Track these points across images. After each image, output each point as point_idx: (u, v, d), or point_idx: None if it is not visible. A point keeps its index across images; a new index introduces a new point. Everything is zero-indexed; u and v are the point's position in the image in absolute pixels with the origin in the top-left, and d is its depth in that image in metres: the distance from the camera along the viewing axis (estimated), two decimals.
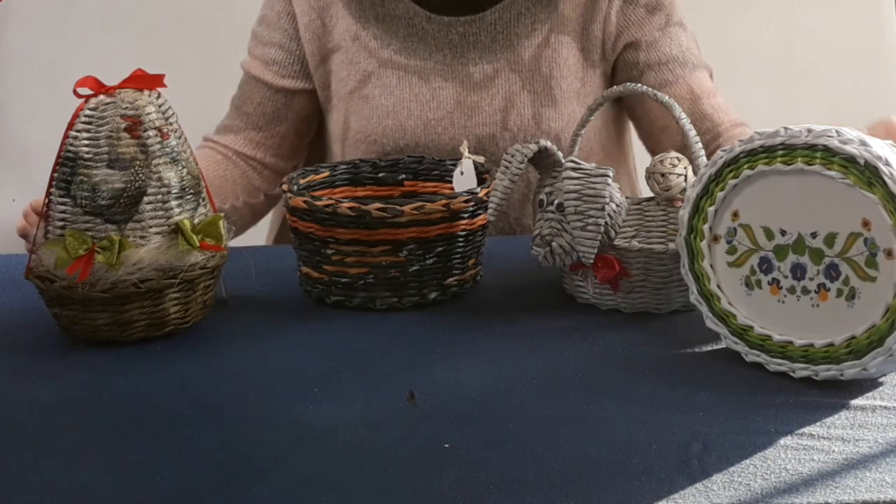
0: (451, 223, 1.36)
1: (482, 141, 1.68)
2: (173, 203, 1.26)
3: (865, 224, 1.11)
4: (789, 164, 1.14)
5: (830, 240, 1.13)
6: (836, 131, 1.13)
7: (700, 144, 1.36)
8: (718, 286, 1.21)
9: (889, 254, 1.10)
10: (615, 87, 1.42)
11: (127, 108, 1.24)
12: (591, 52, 1.73)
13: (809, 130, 1.14)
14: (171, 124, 1.27)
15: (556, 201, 1.31)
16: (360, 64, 1.73)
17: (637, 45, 1.73)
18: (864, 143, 1.11)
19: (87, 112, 1.25)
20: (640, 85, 1.40)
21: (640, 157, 1.86)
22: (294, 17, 1.76)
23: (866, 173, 1.10)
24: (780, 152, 1.15)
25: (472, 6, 1.72)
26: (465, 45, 1.71)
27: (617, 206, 1.31)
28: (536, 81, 1.71)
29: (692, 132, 1.35)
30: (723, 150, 1.20)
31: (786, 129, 1.16)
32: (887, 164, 1.09)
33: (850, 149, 1.11)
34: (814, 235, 1.14)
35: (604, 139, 1.77)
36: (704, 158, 1.34)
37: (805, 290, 1.15)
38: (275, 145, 1.80)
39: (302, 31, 1.75)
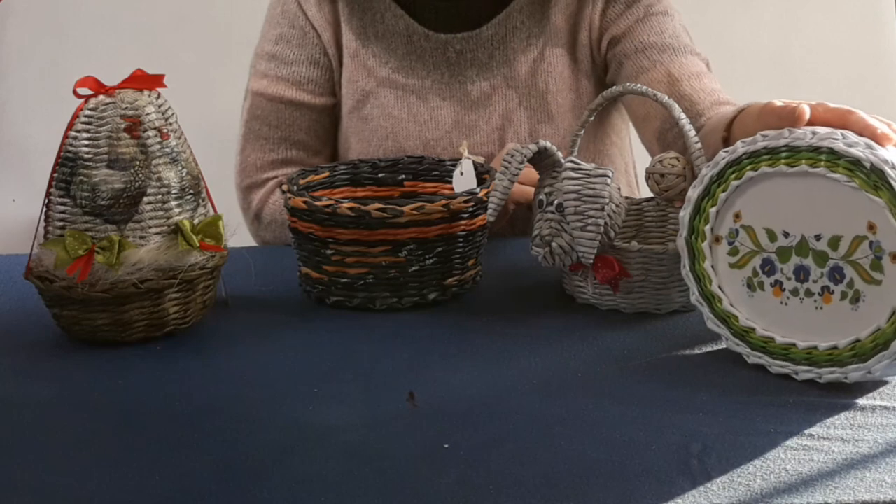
0: (451, 223, 1.36)
1: None
2: (173, 203, 1.26)
3: (871, 227, 1.11)
4: (793, 166, 1.14)
5: (835, 242, 1.13)
6: (841, 134, 1.13)
7: (700, 144, 1.36)
8: (720, 287, 1.21)
9: (895, 257, 1.09)
10: (614, 87, 1.42)
11: (127, 108, 1.24)
12: (581, 62, 1.73)
13: (814, 133, 1.14)
14: (170, 124, 1.27)
15: (555, 201, 1.31)
16: (359, 83, 1.72)
17: (616, 41, 1.71)
18: (869, 147, 1.11)
19: (87, 112, 1.25)
20: (639, 85, 1.39)
21: (640, 159, 1.86)
22: (317, 31, 1.73)
23: (872, 176, 1.10)
24: (784, 154, 1.15)
25: (468, 23, 1.71)
26: (462, 62, 1.71)
27: (616, 206, 1.31)
28: (533, 97, 1.70)
29: (692, 132, 1.35)
30: (725, 151, 1.20)
31: (790, 130, 1.16)
32: (893, 167, 1.09)
33: (855, 152, 1.11)
34: (818, 238, 1.14)
35: (595, 137, 1.77)
36: (704, 159, 1.34)
37: (808, 293, 1.15)
38: (328, 155, 1.78)
39: (327, 46, 1.73)
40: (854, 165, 1.11)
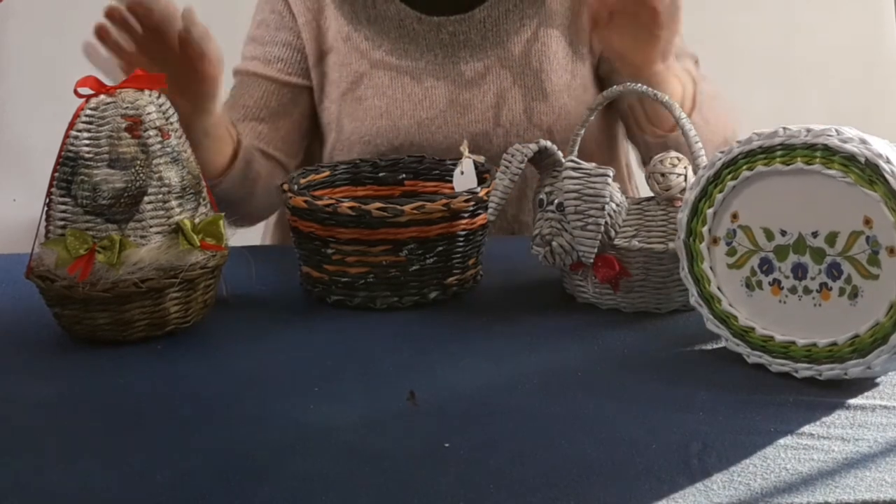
0: (452, 223, 1.36)
1: (475, 138, 1.69)
2: (174, 203, 1.26)
3: (867, 222, 1.11)
4: (788, 165, 1.15)
5: (831, 239, 1.13)
6: (836, 130, 1.13)
7: (700, 144, 1.36)
8: (719, 288, 1.21)
9: (891, 251, 1.10)
10: (615, 87, 1.42)
11: (127, 107, 1.25)
12: (579, 46, 1.74)
13: (808, 130, 1.14)
14: (171, 124, 1.28)
15: (556, 201, 1.31)
16: (352, 65, 1.73)
17: None
18: (864, 142, 1.11)
19: (88, 112, 1.25)
20: (639, 85, 1.40)
21: (636, 158, 1.86)
22: (294, 15, 1.76)
23: (867, 171, 1.10)
24: (779, 152, 1.16)
25: (460, 5, 1.72)
26: (455, 44, 1.72)
27: (617, 205, 1.31)
28: (527, 76, 1.71)
29: (692, 132, 1.36)
30: (721, 152, 1.20)
31: (784, 129, 1.16)
32: (888, 161, 1.09)
33: (850, 147, 1.11)
34: (814, 235, 1.14)
35: (598, 137, 1.77)
36: (705, 158, 1.35)
37: (807, 290, 1.16)
38: (278, 139, 1.76)
39: (301, 30, 1.75)
40: (849, 161, 1.11)
